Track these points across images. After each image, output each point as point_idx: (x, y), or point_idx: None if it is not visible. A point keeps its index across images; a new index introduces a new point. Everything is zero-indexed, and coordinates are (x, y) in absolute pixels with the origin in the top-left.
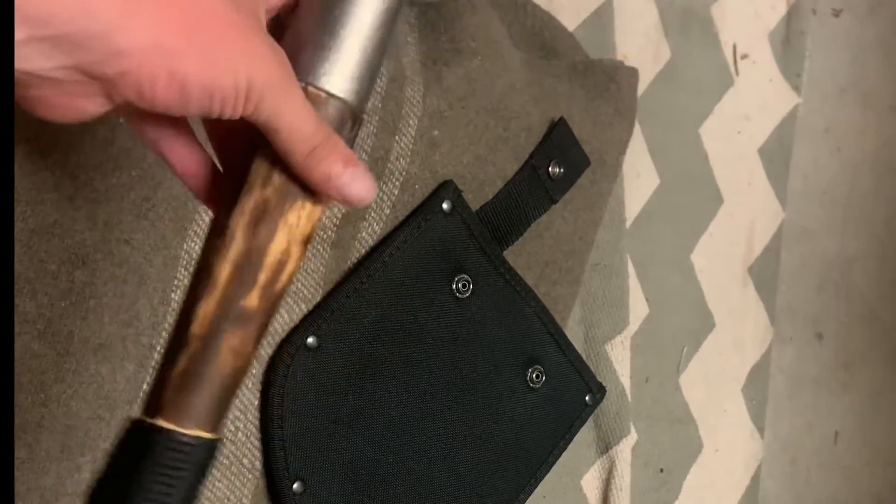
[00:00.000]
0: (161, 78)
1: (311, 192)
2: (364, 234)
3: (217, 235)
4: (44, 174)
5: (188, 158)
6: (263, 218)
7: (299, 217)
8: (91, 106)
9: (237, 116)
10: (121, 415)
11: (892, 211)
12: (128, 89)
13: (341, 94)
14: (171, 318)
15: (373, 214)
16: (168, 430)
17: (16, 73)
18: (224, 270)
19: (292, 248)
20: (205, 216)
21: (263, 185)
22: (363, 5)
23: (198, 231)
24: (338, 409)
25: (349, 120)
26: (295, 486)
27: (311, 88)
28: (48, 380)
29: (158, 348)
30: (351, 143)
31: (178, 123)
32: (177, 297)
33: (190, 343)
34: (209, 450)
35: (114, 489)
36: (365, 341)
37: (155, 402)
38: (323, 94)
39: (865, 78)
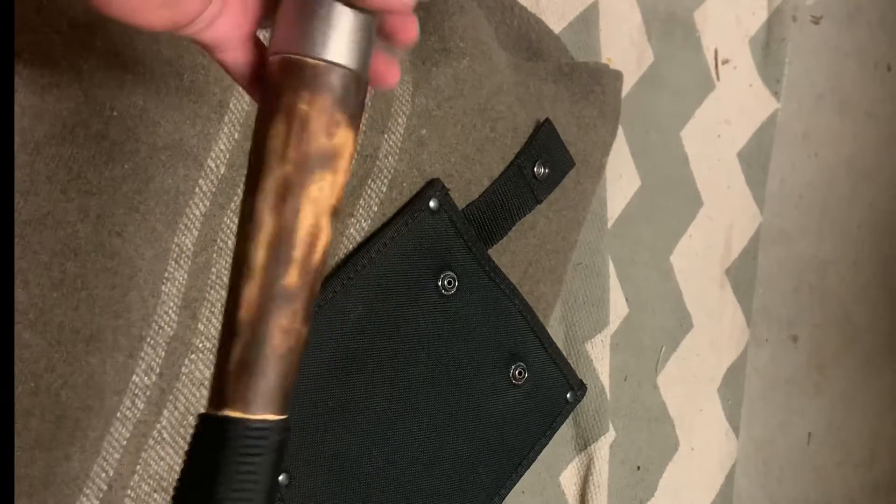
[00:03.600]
0: None
1: (329, 162)
2: (352, 230)
3: (246, 222)
4: (37, 166)
5: (251, 62)
6: (286, 195)
7: (321, 189)
8: None
9: None
10: (110, 405)
11: (867, 215)
12: None
13: (343, 62)
14: (161, 310)
15: (360, 211)
16: (238, 419)
17: None
18: (259, 254)
19: (321, 221)
20: (196, 210)
21: (281, 162)
22: None
23: (188, 224)
24: (323, 403)
25: (353, 85)
26: (280, 478)
27: (310, 60)
28: (38, 369)
29: (148, 339)
30: (360, 108)
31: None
32: (167, 289)
33: (241, 332)
34: (281, 431)
35: (197, 487)
36: (351, 336)
37: (219, 395)
38: (323, 64)
39: (843, 84)
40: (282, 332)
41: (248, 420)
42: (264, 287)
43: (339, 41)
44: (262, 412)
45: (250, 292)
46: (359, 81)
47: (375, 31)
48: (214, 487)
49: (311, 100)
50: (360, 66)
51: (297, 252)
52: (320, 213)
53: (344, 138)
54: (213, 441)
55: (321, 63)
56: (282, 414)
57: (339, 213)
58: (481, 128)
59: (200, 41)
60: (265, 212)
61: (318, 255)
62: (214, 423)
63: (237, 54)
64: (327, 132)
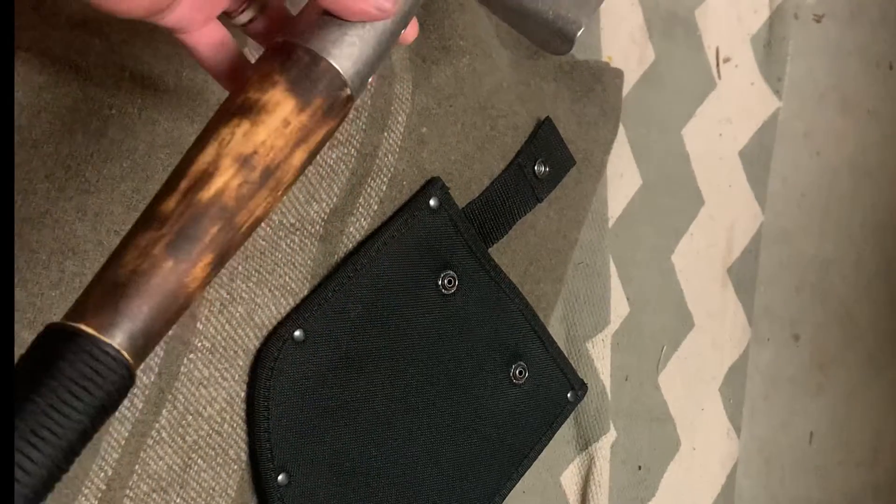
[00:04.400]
0: None
1: (248, 112)
2: (352, 228)
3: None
4: (35, 164)
5: (215, 42)
6: (203, 134)
7: (233, 133)
8: None
9: None
10: None
11: (868, 214)
12: None
13: (351, 85)
14: None
15: (360, 210)
16: (89, 335)
17: None
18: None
19: (221, 162)
20: None
21: (222, 104)
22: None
23: None
24: (323, 402)
25: (343, 102)
26: (280, 477)
27: (330, 64)
28: None
29: None
30: (336, 126)
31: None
32: None
33: (118, 250)
34: (124, 378)
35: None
36: (351, 335)
37: (80, 307)
38: (341, 78)
39: (845, 83)
40: (140, 254)
41: (102, 341)
42: (147, 208)
43: (351, 54)
44: (118, 345)
45: (141, 215)
46: (347, 99)
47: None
48: (34, 396)
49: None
50: (355, 87)
51: (184, 182)
52: (223, 154)
53: (273, 97)
54: (54, 351)
55: (332, 66)
56: (134, 360)
57: (249, 167)
58: (482, 126)
59: (164, 24)
60: (191, 145)
61: (207, 192)
62: (63, 333)
63: (202, 36)
64: (259, 87)
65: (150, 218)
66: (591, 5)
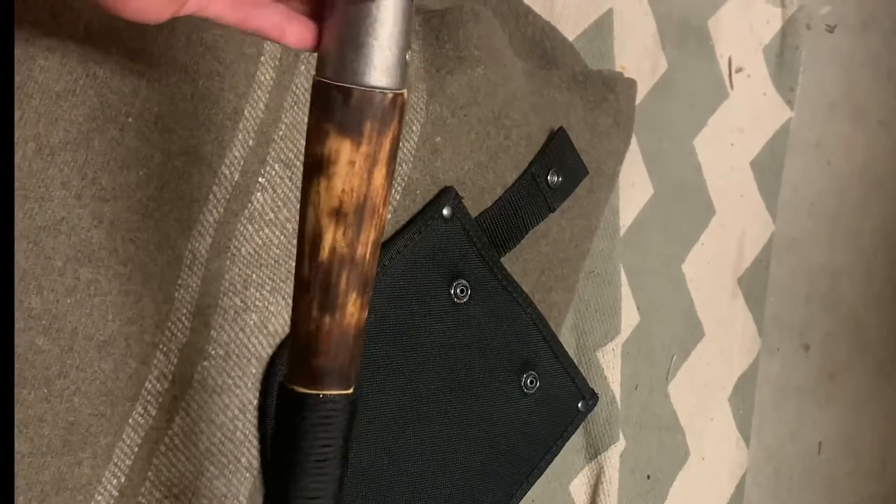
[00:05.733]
0: None
1: (322, 168)
2: None
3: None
4: (52, 172)
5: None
6: (301, 197)
7: (319, 194)
8: None
9: None
10: (122, 411)
11: (879, 224)
12: None
13: (390, 86)
14: (174, 317)
15: None
16: (311, 395)
17: None
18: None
19: (321, 222)
20: (209, 217)
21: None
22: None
23: (202, 231)
24: None
25: (392, 105)
26: None
27: (360, 89)
28: (51, 375)
29: (161, 346)
30: (399, 126)
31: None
32: (180, 296)
33: (294, 317)
34: (347, 404)
35: (280, 452)
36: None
37: (290, 374)
38: (377, 92)
39: (856, 93)
40: (304, 318)
41: (320, 395)
42: (295, 276)
43: (382, 64)
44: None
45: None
46: (400, 96)
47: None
48: (293, 455)
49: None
50: (399, 83)
51: (306, 247)
52: (318, 215)
53: (331, 146)
54: (291, 412)
55: (375, 92)
56: (347, 389)
57: (342, 213)
58: (495, 136)
59: (186, 13)
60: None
61: (323, 251)
62: (291, 396)
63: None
64: (317, 140)
65: (299, 286)
66: None
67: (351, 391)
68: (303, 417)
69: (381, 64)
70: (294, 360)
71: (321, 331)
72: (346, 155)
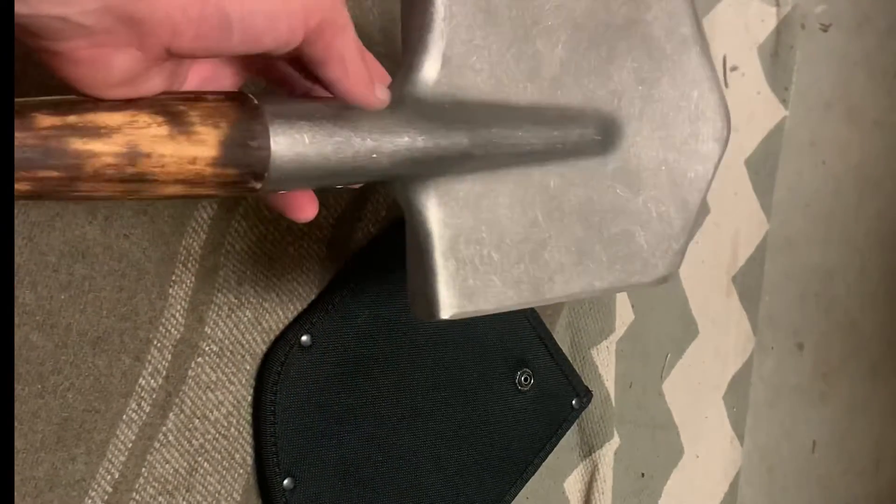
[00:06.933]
0: (195, 6)
1: (178, 127)
2: (359, 234)
3: None
4: None
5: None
6: (133, 101)
7: (149, 125)
8: (121, 60)
9: (289, 47)
10: (116, 407)
11: (874, 224)
12: (161, 28)
13: (270, 169)
14: (168, 313)
15: (368, 216)
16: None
17: (46, 19)
18: None
19: (115, 136)
20: (204, 213)
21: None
22: None
23: (196, 228)
24: (329, 407)
25: (248, 188)
26: (285, 482)
27: (269, 145)
28: (45, 371)
29: (155, 342)
30: (224, 196)
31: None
32: (174, 292)
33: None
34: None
35: None
36: (358, 340)
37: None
38: (270, 156)
39: (851, 93)
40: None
41: None
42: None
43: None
44: None
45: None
46: (262, 137)
47: None
48: None
49: None
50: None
51: (74, 118)
52: (124, 132)
53: (205, 136)
54: None
55: None
56: None
57: (134, 160)
58: None
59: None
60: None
61: (83, 144)
62: None
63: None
64: (204, 114)
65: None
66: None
67: None
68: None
69: (294, 160)
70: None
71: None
72: (200, 152)
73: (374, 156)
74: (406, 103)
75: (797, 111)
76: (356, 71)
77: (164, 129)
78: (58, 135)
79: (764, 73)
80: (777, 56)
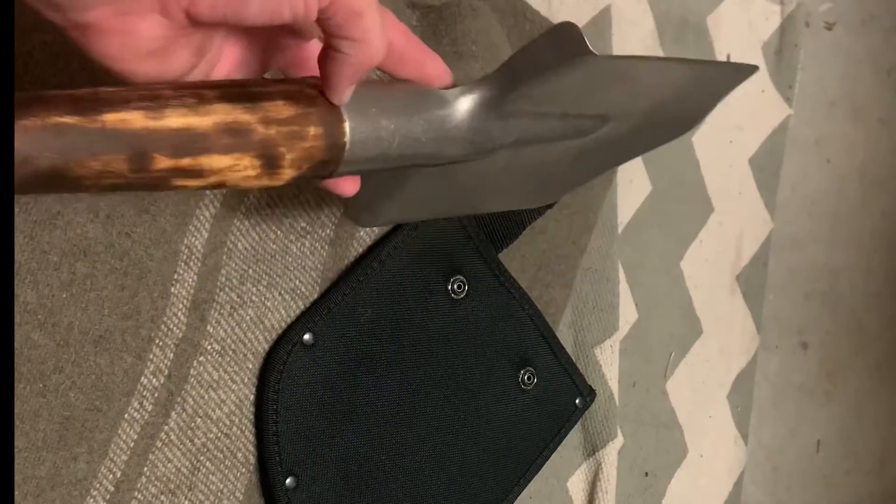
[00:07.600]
0: None
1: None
2: (362, 232)
3: None
4: None
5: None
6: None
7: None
8: (147, 27)
9: (308, 18)
10: (118, 406)
11: (879, 223)
12: None
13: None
14: (170, 312)
15: None
16: None
17: None
18: None
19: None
20: (206, 212)
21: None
22: None
23: (198, 226)
24: (332, 406)
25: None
26: (287, 481)
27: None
28: (47, 370)
29: (157, 341)
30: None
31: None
32: (176, 290)
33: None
34: None
35: None
36: (360, 339)
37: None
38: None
39: (856, 91)
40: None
41: None
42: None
43: None
44: None
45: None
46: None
47: None
48: None
49: None
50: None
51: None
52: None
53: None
54: None
55: None
56: None
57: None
58: None
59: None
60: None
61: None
62: None
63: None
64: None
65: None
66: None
67: None
68: None
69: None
70: None
71: None
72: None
73: (433, 152)
74: (485, 108)
75: (801, 110)
76: (375, 28)
77: (256, 171)
78: (169, 176)
79: (768, 72)
80: (781, 54)
